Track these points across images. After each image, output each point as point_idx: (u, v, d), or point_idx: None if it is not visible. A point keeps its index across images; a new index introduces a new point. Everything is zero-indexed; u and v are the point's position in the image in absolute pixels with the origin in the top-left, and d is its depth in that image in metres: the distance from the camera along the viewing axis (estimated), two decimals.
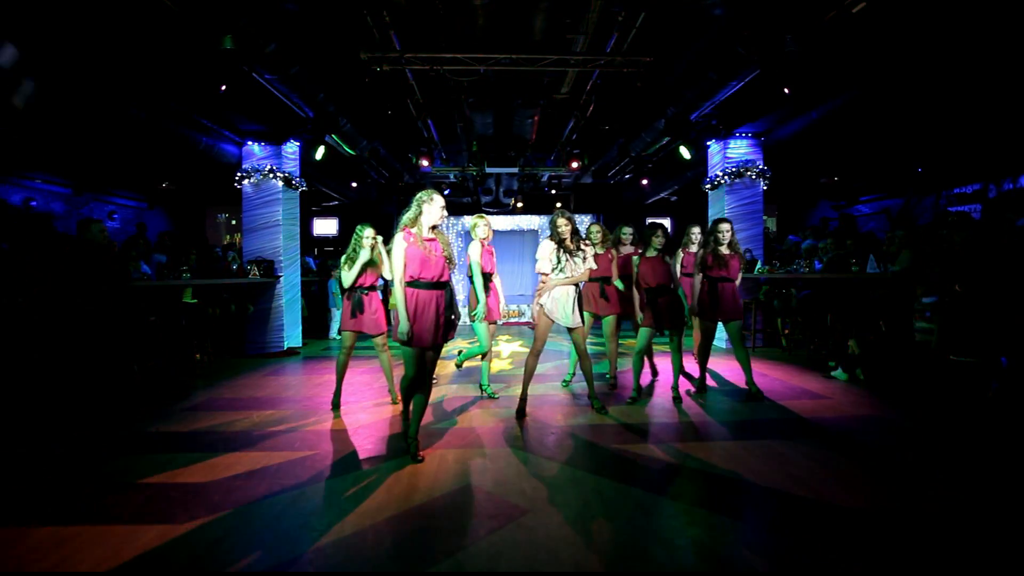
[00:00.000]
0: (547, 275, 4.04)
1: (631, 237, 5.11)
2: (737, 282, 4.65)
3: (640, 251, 4.66)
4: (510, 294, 12.04)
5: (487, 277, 4.49)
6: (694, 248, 5.49)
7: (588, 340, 5.37)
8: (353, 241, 4.40)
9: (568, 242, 4.05)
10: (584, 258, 4.05)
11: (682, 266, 5.46)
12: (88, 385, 4.15)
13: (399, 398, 4.65)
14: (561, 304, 4.01)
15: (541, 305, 4.04)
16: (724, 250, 4.59)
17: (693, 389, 4.85)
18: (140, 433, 3.89)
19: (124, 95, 5.61)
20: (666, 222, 13.05)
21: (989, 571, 2.15)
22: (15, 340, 4.00)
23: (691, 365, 5.67)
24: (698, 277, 4.70)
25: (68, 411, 3.88)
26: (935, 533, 2.38)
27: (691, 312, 4.83)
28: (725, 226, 4.63)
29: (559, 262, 4.01)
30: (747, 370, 4.66)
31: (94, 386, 4.19)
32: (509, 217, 12.96)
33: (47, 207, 8.19)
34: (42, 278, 4.29)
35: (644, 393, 4.80)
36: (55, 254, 4.25)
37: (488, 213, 12.86)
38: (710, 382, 5.26)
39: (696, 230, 5.54)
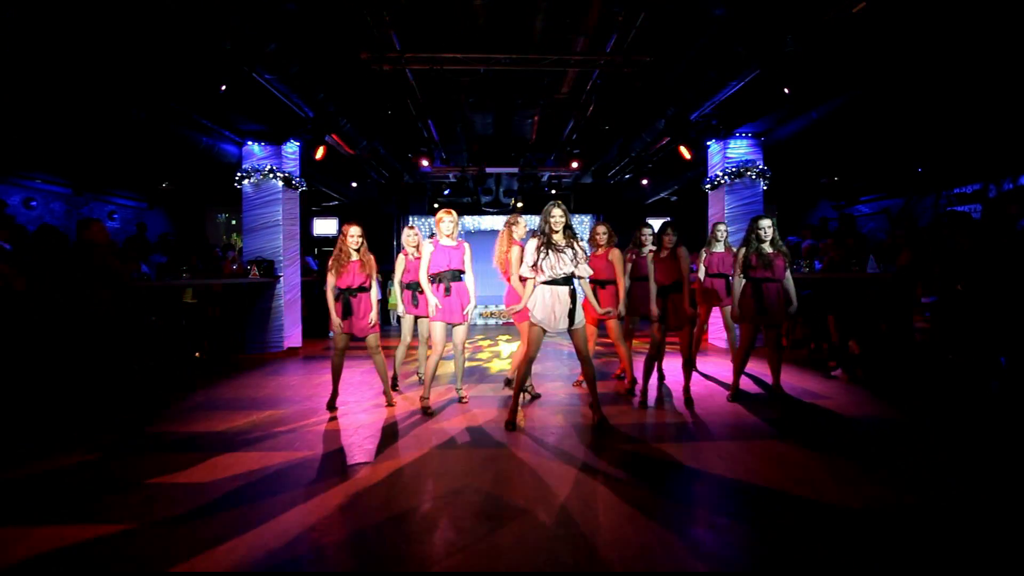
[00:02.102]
0: (529, 278, 3.74)
1: (651, 238, 4.86)
2: (786, 282, 4.36)
3: (653, 250, 4.56)
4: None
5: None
6: (719, 248, 5.46)
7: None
8: (339, 242, 4.31)
9: (559, 237, 3.71)
10: (575, 258, 3.70)
11: (706, 266, 5.40)
12: (88, 385, 4.14)
13: (394, 400, 4.65)
14: (547, 307, 3.67)
15: (528, 310, 3.74)
16: (768, 248, 4.35)
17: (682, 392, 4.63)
18: (140, 433, 3.89)
19: (124, 95, 5.61)
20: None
21: (990, 571, 2.15)
22: (15, 340, 4.00)
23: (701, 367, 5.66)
24: (739, 278, 4.45)
25: (68, 411, 3.88)
26: (935, 533, 2.38)
27: (732, 316, 4.62)
28: (766, 222, 4.35)
29: (539, 259, 3.67)
30: (776, 373, 4.50)
31: (94, 386, 4.19)
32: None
33: (47, 207, 8.20)
34: (42, 278, 4.29)
35: (650, 394, 4.76)
36: (55, 255, 4.25)
37: (488, 213, 12.86)
38: (705, 383, 5.26)
39: (723, 227, 5.45)
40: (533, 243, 3.75)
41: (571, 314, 3.70)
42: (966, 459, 3.27)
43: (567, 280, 3.72)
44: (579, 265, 3.76)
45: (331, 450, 3.48)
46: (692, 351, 4.45)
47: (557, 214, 3.72)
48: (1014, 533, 2.39)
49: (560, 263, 3.68)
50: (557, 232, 3.73)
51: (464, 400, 4.63)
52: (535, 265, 3.71)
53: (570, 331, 3.77)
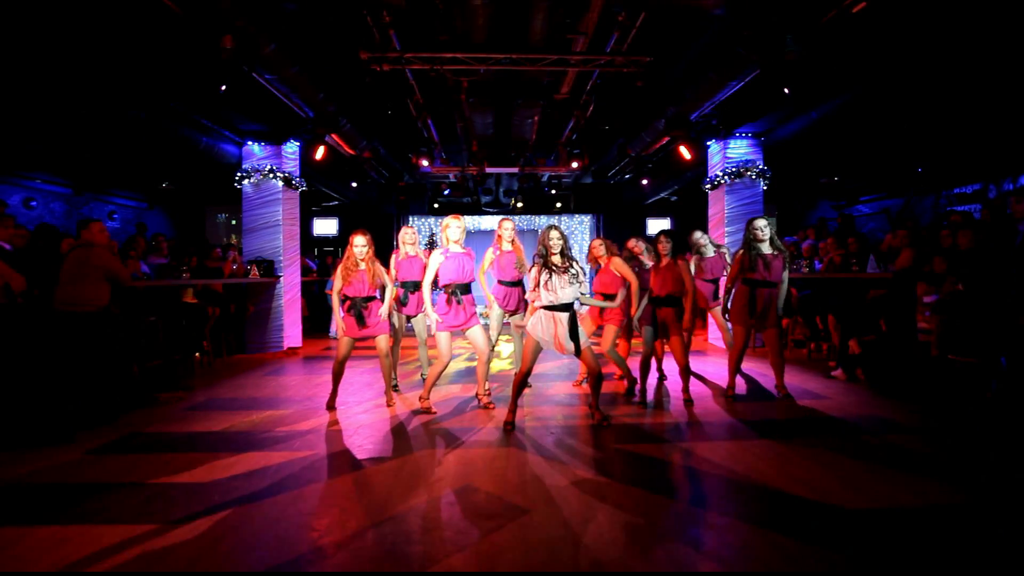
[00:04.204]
0: (535, 296, 3.73)
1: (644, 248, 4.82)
2: (783, 283, 4.35)
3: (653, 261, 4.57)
4: None
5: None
6: (710, 253, 5.47)
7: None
8: (347, 250, 4.30)
9: (555, 259, 3.70)
10: (575, 280, 3.67)
11: (697, 269, 5.42)
12: (88, 385, 4.14)
13: (393, 401, 4.65)
14: (548, 331, 3.66)
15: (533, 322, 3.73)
16: (767, 249, 4.34)
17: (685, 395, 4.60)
18: (140, 433, 3.89)
19: (124, 95, 5.61)
20: (666, 222, 13.05)
21: (990, 571, 2.15)
22: (16, 341, 4.00)
23: (701, 368, 5.66)
24: (734, 281, 4.49)
25: (68, 412, 3.87)
26: (935, 533, 2.38)
27: (724, 317, 4.72)
28: (761, 222, 4.35)
29: (540, 283, 3.67)
30: (779, 374, 4.55)
31: (94, 386, 4.19)
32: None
33: (47, 207, 8.20)
34: (42, 279, 4.29)
35: (650, 395, 4.77)
36: (56, 255, 4.25)
37: (488, 213, 12.85)
38: (704, 383, 5.25)
39: (706, 239, 5.42)
40: (534, 270, 3.76)
41: (575, 338, 3.65)
42: (966, 460, 3.27)
43: (567, 306, 3.69)
44: (581, 286, 3.76)
45: (331, 450, 3.48)
46: (687, 359, 4.49)
47: (555, 236, 3.71)
48: (1015, 534, 2.39)
49: (560, 288, 3.64)
50: (555, 255, 3.71)
51: (490, 407, 4.36)
52: (536, 288, 3.71)
53: (579, 355, 3.74)
